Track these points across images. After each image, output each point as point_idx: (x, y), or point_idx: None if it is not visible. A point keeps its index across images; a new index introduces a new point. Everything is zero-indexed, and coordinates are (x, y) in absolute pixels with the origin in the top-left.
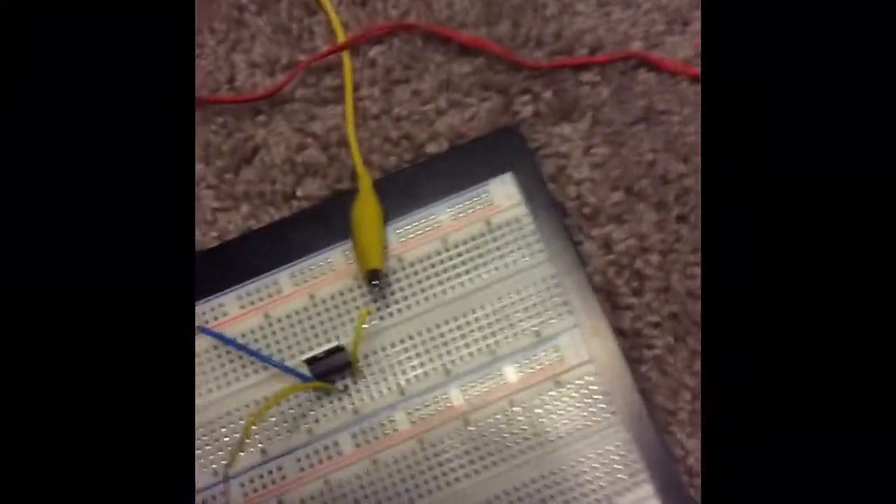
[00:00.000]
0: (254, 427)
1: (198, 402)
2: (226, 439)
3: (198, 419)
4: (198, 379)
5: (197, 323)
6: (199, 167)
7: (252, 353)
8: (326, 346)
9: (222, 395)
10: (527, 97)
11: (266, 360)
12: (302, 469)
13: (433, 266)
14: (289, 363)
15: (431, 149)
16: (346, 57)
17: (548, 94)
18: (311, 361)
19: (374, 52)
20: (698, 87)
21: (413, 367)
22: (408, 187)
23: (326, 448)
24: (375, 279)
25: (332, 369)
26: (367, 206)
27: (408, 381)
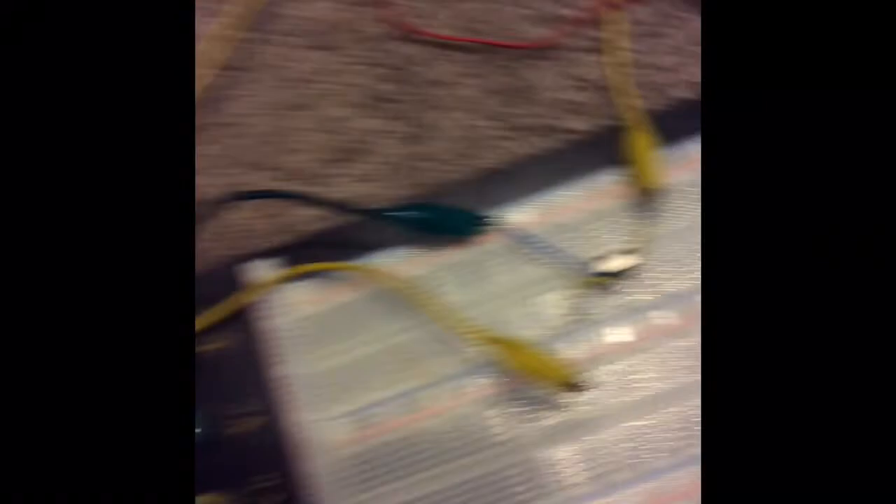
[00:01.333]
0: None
1: (486, 290)
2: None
3: (482, 309)
4: (489, 270)
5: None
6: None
7: (544, 250)
8: (613, 250)
9: (504, 289)
10: None
11: (558, 257)
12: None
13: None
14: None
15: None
16: (609, 13)
17: None
18: (596, 259)
19: (634, 9)
20: None
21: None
22: (662, 126)
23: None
24: (656, 197)
25: (614, 271)
26: (640, 133)
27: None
